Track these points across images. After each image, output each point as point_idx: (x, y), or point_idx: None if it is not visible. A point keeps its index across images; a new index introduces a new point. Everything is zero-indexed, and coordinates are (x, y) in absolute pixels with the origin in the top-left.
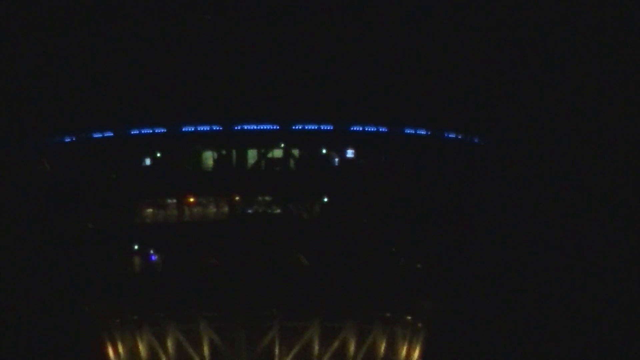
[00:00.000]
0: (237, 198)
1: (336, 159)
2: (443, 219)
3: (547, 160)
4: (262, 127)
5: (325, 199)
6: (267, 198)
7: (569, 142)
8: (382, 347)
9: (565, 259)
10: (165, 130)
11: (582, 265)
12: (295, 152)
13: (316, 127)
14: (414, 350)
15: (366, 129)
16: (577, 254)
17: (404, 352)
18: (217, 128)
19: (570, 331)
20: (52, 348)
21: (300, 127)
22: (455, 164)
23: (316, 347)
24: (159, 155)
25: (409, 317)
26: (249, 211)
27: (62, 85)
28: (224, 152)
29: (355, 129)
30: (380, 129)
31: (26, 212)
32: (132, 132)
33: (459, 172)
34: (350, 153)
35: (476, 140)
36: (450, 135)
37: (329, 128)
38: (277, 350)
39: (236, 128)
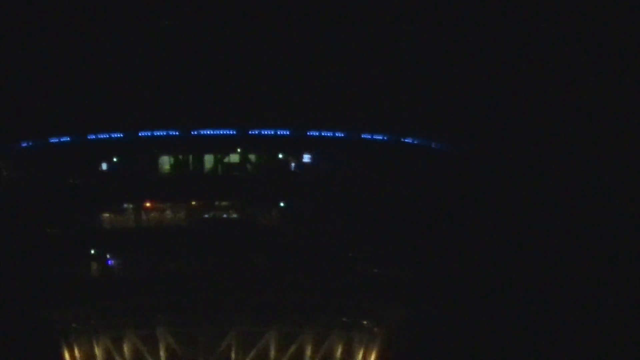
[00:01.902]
0: (194, 203)
1: (293, 164)
2: (402, 223)
3: (506, 164)
4: (219, 132)
5: (283, 204)
6: (224, 203)
7: (529, 147)
8: (339, 352)
9: (528, 265)
10: (122, 135)
11: (546, 271)
12: (253, 157)
13: (273, 132)
14: (370, 355)
15: (323, 134)
16: (540, 260)
17: (360, 356)
18: (174, 133)
19: (530, 337)
20: (11, 352)
21: (257, 132)
22: (414, 169)
23: (273, 352)
24: (116, 160)
25: (366, 322)
26: (207, 216)
27: (20, 90)
28: (181, 157)
29: (311, 134)
30: (337, 134)
31: None
32: (89, 137)
33: (417, 177)
34: (307, 158)
35: (434, 145)
36: (407, 140)
37: (286, 133)
38: (233, 355)
39: (193, 133)
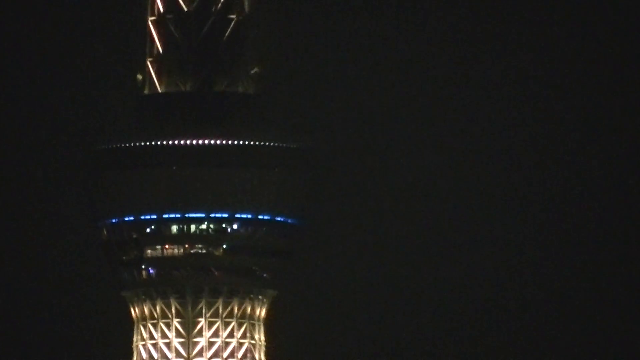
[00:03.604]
0: (187, 246)
1: (229, 229)
2: (277, 256)
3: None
4: (196, 215)
5: (225, 246)
6: (200, 246)
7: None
8: (249, 309)
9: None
10: (156, 216)
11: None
12: (212, 226)
13: (220, 214)
14: (262, 311)
15: (242, 215)
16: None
17: (258, 311)
18: (178, 215)
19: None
20: (105, 314)
21: (214, 215)
22: (282, 233)
23: (220, 309)
24: (153, 227)
25: (260, 297)
26: (192, 252)
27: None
28: (181, 226)
29: (238, 215)
30: (248, 215)
31: (97, 254)
32: (142, 217)
33: (284, 236)
34: (236, 226)
35: (290, 221)
36: (279, 219)
37: (226, 215)
38: (204, 310)
39: (186, 215)
